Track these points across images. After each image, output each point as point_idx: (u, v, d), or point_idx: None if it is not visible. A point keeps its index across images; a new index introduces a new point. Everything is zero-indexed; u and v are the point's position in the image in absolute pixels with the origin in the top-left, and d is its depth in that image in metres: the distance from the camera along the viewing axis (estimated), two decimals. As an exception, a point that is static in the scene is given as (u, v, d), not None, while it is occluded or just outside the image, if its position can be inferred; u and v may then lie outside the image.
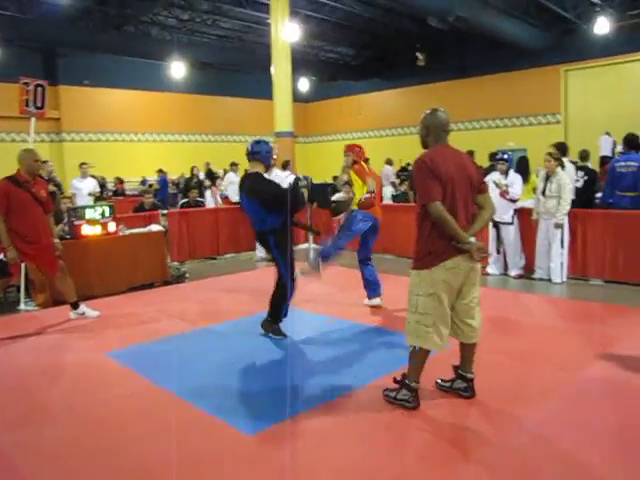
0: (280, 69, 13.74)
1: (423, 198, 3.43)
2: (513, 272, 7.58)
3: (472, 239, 3.42)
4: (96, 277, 6.96)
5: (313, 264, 5.71)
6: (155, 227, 7.99)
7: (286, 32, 13.63)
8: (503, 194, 7.32)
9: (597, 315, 5.76)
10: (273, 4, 13.71)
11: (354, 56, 23.64)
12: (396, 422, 3.44)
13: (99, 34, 16.67)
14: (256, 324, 5.29)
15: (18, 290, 6.67)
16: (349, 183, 11.57)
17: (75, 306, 6.02)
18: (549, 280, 7.17)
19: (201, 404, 3.74)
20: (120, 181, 17.06)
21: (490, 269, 7.74)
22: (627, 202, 7.02)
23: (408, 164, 16.74)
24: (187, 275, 8.15)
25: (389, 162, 16.69)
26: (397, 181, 15.02)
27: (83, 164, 11.06)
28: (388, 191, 13.12)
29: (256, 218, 4.98)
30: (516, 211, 7.48)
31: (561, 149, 7.89)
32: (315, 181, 5.57)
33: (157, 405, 3.81)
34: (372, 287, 6.11)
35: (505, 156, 7.62)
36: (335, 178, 14.97)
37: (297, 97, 17.66)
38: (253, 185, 4.96)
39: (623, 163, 7.09)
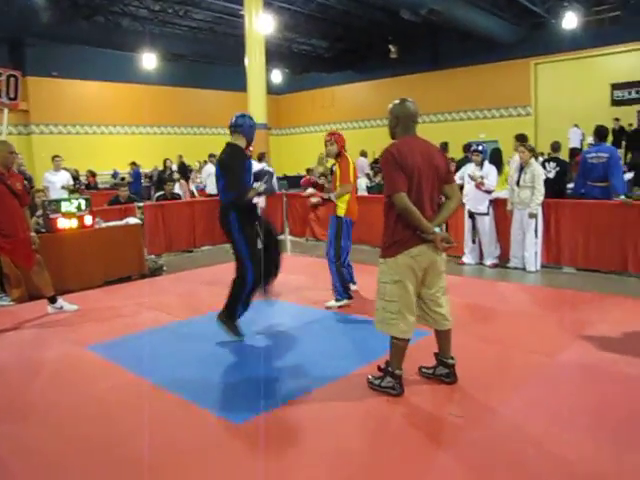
0: (254, 61, 13.71)
1: (389, 189, 3.51)
2: (488, 261, 7.72)
3: (437, 229, 3.50)
4: (72, 271, 6.86)
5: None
6: (132, 220, 7.92)
7: (260, 24, 13.57)
8: (479, 185, 7.44)
9: (571, 302, 5.93)
10: (247, -5, 13.65)
11: (327, 48, 23.66)
12: (381, 409, 3.50)
13: (68, 24, 16.38)
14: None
15: (-7, 285, 6.55)
16: (325, 175, 11.61)
17: (53, 300, 5.95)
18: (524, 269, 7.32)
19: (187, 395, 3.75)
20: (92, 174, 16.82)
21: (466, 259, 7.87)
22: (598, 192, 7.20)
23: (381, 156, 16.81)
24: (164, 268, 8.11)
25: (363, 154, 16.75)
26: (371, 173, 15.09)
27: (56, 157, 10.87)
28: (363, 183, 13.15)
29: (219, 186, 4.82)
30: (491, 202, 7.61)
31: (521, 140, 8.06)
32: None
33: (143, 397, 3.80)
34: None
35: (480, 147, 7.73)
36: (308, 171, 15.02)
37: (270, 89, 17.59)
38: (224, 156, 4.79)
39: (594, 154, 7.25)
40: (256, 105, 13.93)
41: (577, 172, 7.94)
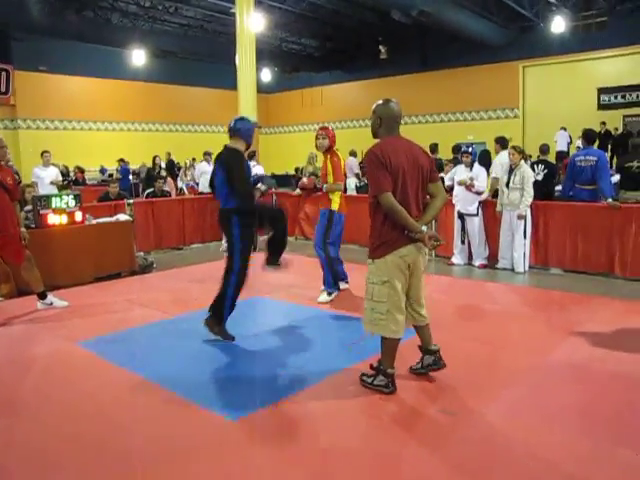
0: (245, 59, 13.69)
1: (374, 189, 3.53)
2: (477, 262, 7.78)
3: (424, 228, 3.54)
4: (61, 267, 6.82)
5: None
6: (122, 217, 7.89)
7: (251, 22, 13.56)
8: (469, 187, 7.52)
9: (559, 302, 6.01)
10: (238, -6, 13.62)
11: (317, 48, 23.68)
12: (373, 407, 3.54)
13: (57, 18, 16.22)
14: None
15: (-20, 281, 6.49)
16: (315, 174, 11.64)
17: (42, 296, 5.91)
18: (512, 270, 7.39)
19: (181, 392, 3.75)
20: (81, 170, 16.70)
21: (455, 259, 7.94)
22: (586, 195, 7.29)
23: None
24: (154, 265, 8.09)
25: (353, 154, 16.79)
26: (360, 172, 15.14)
27: (45, 152, 10.78)
28: (352, 182, 13.22)
29: (221, 193, 4.80)
30: (480, 203, 7.69)
31: (501, 142, 8.15)
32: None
33: (136, 394, 3.80)
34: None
35: (470, 149, 7.81)
36: (297, 170, 15.05)
37: (259, 88, 17.58)
38: (229, 159, 4.79)
39: (583, 157, 7.35)
40: (246, 103, 13.90)
41: (565, 175, 8.03)
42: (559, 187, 8.71)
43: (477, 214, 7.67)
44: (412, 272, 3.64)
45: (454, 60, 20.17)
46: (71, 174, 16.31)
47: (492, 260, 7.78)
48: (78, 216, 7.10)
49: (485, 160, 8.25)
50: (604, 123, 16.37)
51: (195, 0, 17.50)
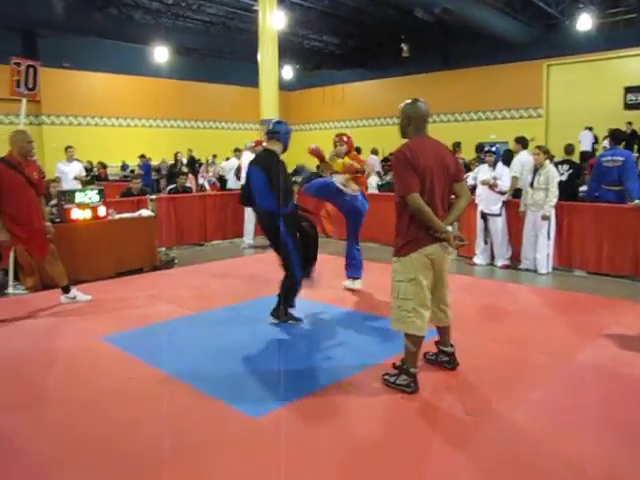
0: (267, 57, 13.67)
1: (402, 190, 3.53)
2: (500, 262, 7.71)
3: (449, 228, 3.57)
4: (84, 261, 6.88)
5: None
6: (145, 212, 7.95)
7: (274, 19, 13.56)
8: (492, 187, 7.45)
9: (583, 305, 5.92)
10: (261, -10, 13.62)
11: (339, 45, 23.61)
12: (395, 406, 3.52)
13: (81, 15, 16.39)
14: (252, 309, 5.34)
15: (6, 274, 6.57)
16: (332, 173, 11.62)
17: (66, 290, 5.98)
18: (535, 271, 7.31)
19: (204, 388, 3.77)
20: (103, 166, 16.88)
21: (477, 259, 7.87)
22: (612, 196, 7.19)
23: (391, 154, 16.79)
24: (176, 261, 8.14)
25: (374, 152, 16.74)
26: (382, 171, 15.08)
27: (69, 147, 10.90)
28: (373, 181, 13.15)
29: (262, 193, 4.91)
30: (504, 203, 7.61)
31: (521, 142, 8.05)
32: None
33: (160, 389, 3.81)
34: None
35: (493, 148, 7.75)
36: (318, 167, 14.97)
37: (280, 85, 17.60)
38: (267, 162, 4.92)
39: (609, 158, 7.24)
40: (268, 101, 13.91)
41: (591, 175, 7.92)
42: (583, 187, 8.58)
43: (500, 214, 7.59)
44: (437, 272, 3.65)
45: (477, 58, 19.96)
46: (94, 169, 16.49)
47: (515, 261, 7.70)
48: (101, 211, 7.17)
49: (508, 160, 8.15)
50: (630, 123, 16.06)
51: (218, -3, 17.58)
